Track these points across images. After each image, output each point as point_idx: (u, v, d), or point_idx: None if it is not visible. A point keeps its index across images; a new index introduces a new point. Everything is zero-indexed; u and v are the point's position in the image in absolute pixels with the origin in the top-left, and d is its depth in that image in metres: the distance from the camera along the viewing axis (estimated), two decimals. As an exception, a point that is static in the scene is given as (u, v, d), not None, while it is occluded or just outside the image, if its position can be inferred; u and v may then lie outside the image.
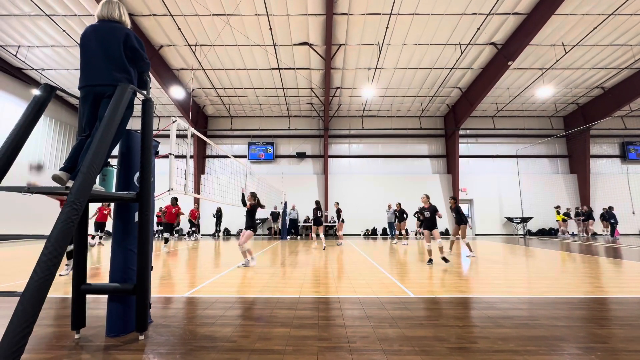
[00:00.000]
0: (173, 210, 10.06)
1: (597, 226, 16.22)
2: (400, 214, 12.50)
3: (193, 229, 15.27)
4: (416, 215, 10.98)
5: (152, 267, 2.95)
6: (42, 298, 1.60)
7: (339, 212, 12.35)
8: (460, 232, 8.16)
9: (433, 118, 18.80)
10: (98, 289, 2.62)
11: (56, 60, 13.21)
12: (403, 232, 12.47)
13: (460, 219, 8.13)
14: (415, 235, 16.13)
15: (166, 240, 9.86)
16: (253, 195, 6.82)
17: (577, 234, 16.37)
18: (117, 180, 2.85)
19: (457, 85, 15.49)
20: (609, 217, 15.09)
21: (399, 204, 12.77)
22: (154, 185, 3.06)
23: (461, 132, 17.85)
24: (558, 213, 16.41)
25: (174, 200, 10.04)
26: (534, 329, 2.88)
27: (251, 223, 6.66)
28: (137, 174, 2.80)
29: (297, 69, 13.99)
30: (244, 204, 6.89)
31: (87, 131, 2.46)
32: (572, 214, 16.26)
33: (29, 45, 12.32)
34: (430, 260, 6.82)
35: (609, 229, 15.05)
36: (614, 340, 2.63)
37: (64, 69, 13.81)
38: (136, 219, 2.74)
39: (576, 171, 18.02)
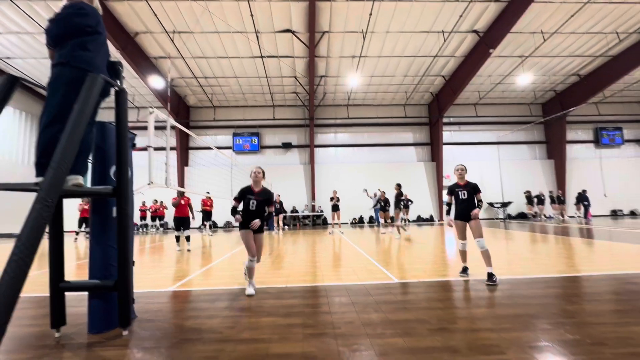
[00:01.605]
0: (182, 202, 8.46)
1: (571, 209, 16.95)
2: (384, 203, 12.04)
3: (208, 222, 13.03)
4: (447, 202, 5.14)
5: (133, 262, 2.90)
6: (15, 298, 1.55)
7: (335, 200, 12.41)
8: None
9: (417, 106, 18.95)
10: (77, 287, 2.57)
11: (23, 48, 12.44)
12: (389, 220, 12.08)
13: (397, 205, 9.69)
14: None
15: (178, 238, 8.32)
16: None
17: (553, 217, 17.08)
18: (93, 175, 2.76)
19: (441, 73, 15.61)
20: (582, 200, 15.80)
21: (383, 192, 12.34)
22: (132, 178, 2.98)
23: (445, 120, 18.10)
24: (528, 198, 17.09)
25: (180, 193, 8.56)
26: (510, 308, 3.02)
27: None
28: (114, 168, 2.71)
29: (280, 57, 13.71)
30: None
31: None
32: (533, 198, 16.83)
33: (-9, 32, 11.54)
34: (464, 270, 4.41)
35: (582, 211, 15.78)
36: (581, 315, 2.79)
37: (31, 58, 13.04)
38: (114, 214, 2.67)
39: (553, 157, 18.68)
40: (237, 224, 4.21)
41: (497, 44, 12.17)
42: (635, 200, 18.02)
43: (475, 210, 4.25)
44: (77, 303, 3.43)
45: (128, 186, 2.64)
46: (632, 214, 18.00)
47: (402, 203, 11.12)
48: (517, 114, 19.03)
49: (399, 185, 10.27)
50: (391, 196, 11.17)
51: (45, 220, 1.79)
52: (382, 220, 12.52)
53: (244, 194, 3.77)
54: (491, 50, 12.43)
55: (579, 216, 16.06)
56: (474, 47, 13.45)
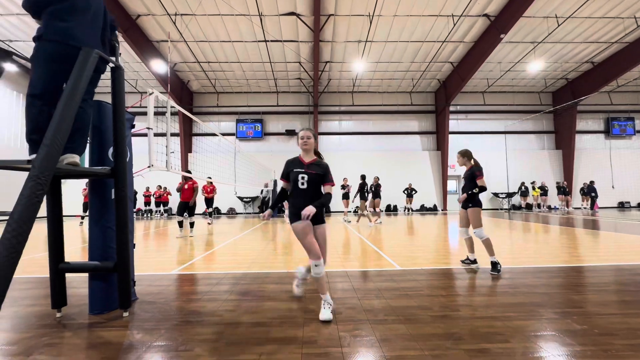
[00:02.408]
0: (186, 186, 7.97)
1: (578, 200, 16.73)
2: (376, 189, 10.87)
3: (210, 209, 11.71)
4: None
5: (134, 244, 2.88)
6: (8, 277, 1.51)
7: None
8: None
9: (424, 94, 18.58)
10: (77, 268, 2.55)
11: (24, 30, 12.28)
12: (378, 209, 10.92)
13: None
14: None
15: (180, 224, 7.99)
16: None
17: (557, 208, 16.92)
18: (91, 155, 2.70)
19: (449, 59, 15.20)
20: (589, 191, 15.57)
21: (377, 177, 11.14)
22: (132, 161, 2.92)
23: (451, 109, 17.76)
24: (534, 188, 16.88)
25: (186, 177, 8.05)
26: (514, 297, 2.97)
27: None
28: (112, 149, 2.65)
29: (284, 41, 13.41)
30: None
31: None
32: (535, 188, 16.67)
33: (-8, 14, 11.38)
34: (467, 259, 4.30)
35: (589, 202, 15.58)
36: (588, 305, 2.73)
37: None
38: (113, 196, 2.63)
39: (562, 147, 18.33)
40: (262, 216, 3.04)
41: (508, 28, 11.74)
42: (644, 192, 17.74)
43: (462, 196, 4.17)
44: (79, 284, 3.45)
45: (126, 167, 2.58)
46: (640, 206, 17.75)
47: (366, 194, 10.76)
48: (526, 102, 18.60)
49: (362, 177, 10.77)
50: (403, 185, 11.06)
51: (38, 198, 1.74)
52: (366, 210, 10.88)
53: (290, 168, 2.76)
54: (502, 36, 12.02)
55: (585, 207, 15.87)
56: (485, 32, 13.01)
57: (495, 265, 3.86)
